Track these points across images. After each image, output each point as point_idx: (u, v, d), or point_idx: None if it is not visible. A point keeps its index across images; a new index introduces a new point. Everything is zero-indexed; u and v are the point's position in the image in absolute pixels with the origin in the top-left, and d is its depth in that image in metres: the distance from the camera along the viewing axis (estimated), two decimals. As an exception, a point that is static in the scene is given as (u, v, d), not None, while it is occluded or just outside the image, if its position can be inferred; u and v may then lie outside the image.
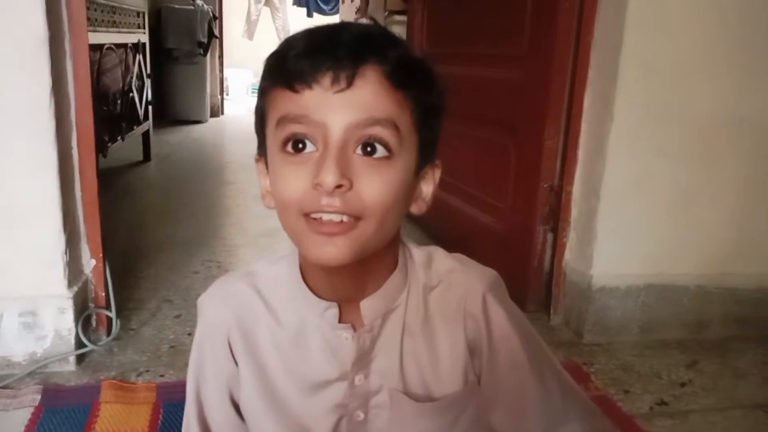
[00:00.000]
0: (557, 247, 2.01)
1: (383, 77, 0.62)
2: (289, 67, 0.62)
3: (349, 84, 0.61)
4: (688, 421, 1.54)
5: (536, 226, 2.04)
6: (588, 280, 1.89)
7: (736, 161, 1.89)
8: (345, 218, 0.62)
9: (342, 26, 0.65)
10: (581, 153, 1.92)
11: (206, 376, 0.79)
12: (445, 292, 0.77)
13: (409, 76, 0.64)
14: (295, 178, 0.62)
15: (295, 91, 0.62)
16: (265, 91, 0.67)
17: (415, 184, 0.69)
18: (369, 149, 0.62)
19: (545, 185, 2.01)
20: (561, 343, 1.90)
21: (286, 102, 0.63)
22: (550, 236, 2.04)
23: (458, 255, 0.81)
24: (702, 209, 1.91)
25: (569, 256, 1.99)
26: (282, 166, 0.64)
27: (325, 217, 0.62)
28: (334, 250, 0.62)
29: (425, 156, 0.69)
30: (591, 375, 1.72)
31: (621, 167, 1.83)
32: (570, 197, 1.96)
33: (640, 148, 1.82)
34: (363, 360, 0.74)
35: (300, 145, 0.62)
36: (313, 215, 0.62)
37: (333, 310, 0.73)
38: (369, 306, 0.73)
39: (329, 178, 0.59)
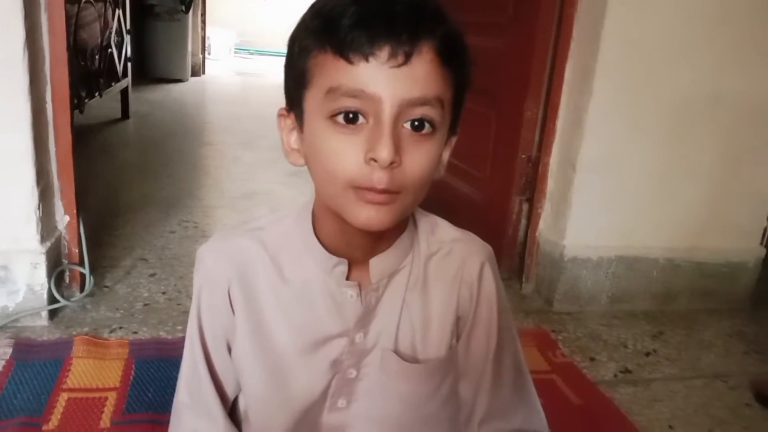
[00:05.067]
0: (532, 217, 2.03)
1: (435, 54, 0.62)
2: (343, 35, 0.60)
3: (407, 60, 0.60)
4: (650, 389, 1.59)
5: (512, 196, 2.06)
6: (560, 250, 1.92)
7: (710, 138, 1.92)
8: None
9: None
10: (560, 125, 1.94)
11: (206, 324, 0.79)
12: (445, 259, 0.79)
13: (455, 53, 0.65)
14: (346, 152, 0.62)
15: (349, 62, 0.60)
16: (307, 50, 0.64)
17: (441, 152, 0.70)
18: (417, 125, 0.63)
19: (523, 156, 2.02)
20: (531, 311, 1.94)
21: (339, 72, 0.61)
22: (525, 206, 2.06)
23: (461, 229, 0.83)
24: (675, 184, 1.94)
25: (543, 226, 2.02)
26: (329, 135, 0.63)
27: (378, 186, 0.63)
28: (379, 218, 0.64)
29: (454, 127, 0.71)
30: (559, 342, 1.75)
31: (598, 140, 1.84)
32: (547, 168, 1.98)
33: (618, 122, 1.84)
34: (366, 318, 0.76)
35: (352, 117, 0.62)
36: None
37: (342, 267, 0.74)
38: (378, 264, 0.75)
39: (385, 153, 0.60)
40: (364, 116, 0.62)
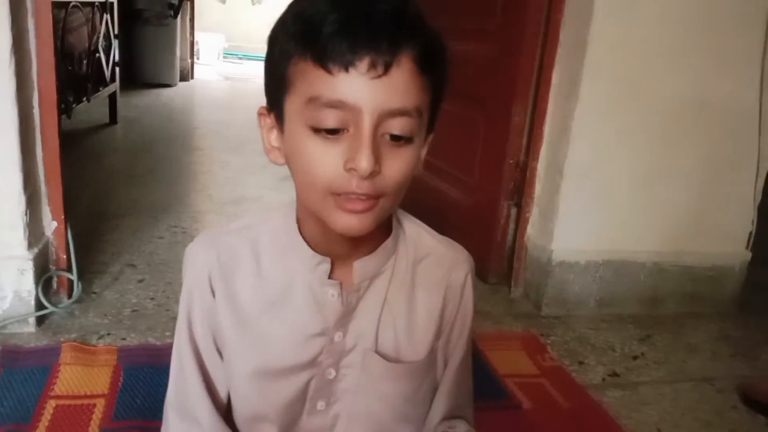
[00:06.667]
0: (520, 222, 2.04)
1: (414, 63, 0.62)
2: (324, 44, 0.60)
3: (386, 71, 0.60)
4: (638, 392, 1.60)
5: (501, 201, 2.07)
6: (548, 254, 1.93)
7: (696, 144, 1.94)
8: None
9: None
10: (547, 130, 1.95)
11: (196, 321, 0.79)
12: (433, 264, 0.81)
13: (434, 61, 0.65)
14: (325, 158, 0.63)
15: (329, 72, 0.60)
16: (288, 55, 0.64)
17: (420, 153, 0.71)
18: (396, 136, 0.64)
19: (511, 161, 2.03)
20: (520, 315, 1.95)
21: (320, 83, 0.61)
22: (513, 211, 2.07)
23: (445, 237, 0.85)
24: (661, 189, 1.95)
25: (531, 230, 2.03)
26: (309, 142, 0.63)
27: (352, 196, 0.64)
28: (358, 224, 0.65)
29: (431, 128, 0.71)
30: (547, 346, 1.76)
31: (585, 146, 1.86)
32: (535, 173, 1.99)
33: (605, 127, 1.86)
34: (345, 318, 0.76)
35: (333, 130, 0.63)
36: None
37: (325, 265, 0.74)
38: (361, 266, 0.75)
39: (364, 164, 0.61)
40: (345, 126, 0.62)
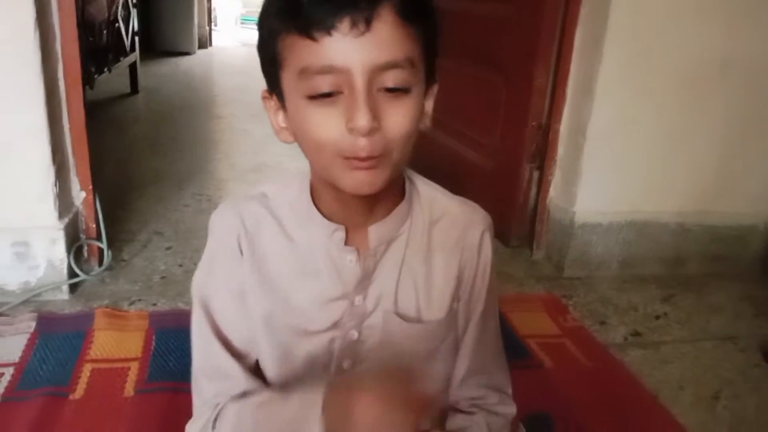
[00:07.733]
0: (542, 185, 2.04)
1: (396, 14, 0.63)
2: (306, 13, 0.61)
3: (368, 26, 0.61)
4: (659, 351, 1.61)
5: (523, 164, 2.07)
6: (571, 216, 1.93)
7: (721, 103, 1.91)
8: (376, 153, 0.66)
9: None
10: (570, 92, 1.93)
11: (218, 288, 0.81)
12: (449, 225, 0.82)
13: (417, 8, 0.66)
14: (328, 122, 0.64)
15: (314, 39, 0.62)
16: (274, 33, 0.66)
17: (423, 105, 0.72)
18: (391, 89, 0.65)
19: (533, 123, 2.02)
20: (542, 277, 1.96)
21: (307, 52, 0.63)
22: (536, 174, 2.07)
23: (461, 197, 0.86)
24: (685, 149, 1.93)
25: (554, 193, 2.03)
26: (310, 111, 0.65)
27: (361, 154, 0.65)
28: (369, 181, 0.66)
29: (430, 77, 0.72)
30: (569, 307, 1.78)
31: (608, 107, 1.84)
32: (557, 136, 1.98)
33: (628, 88, 1.83)
34: (364, 282, 0.79)
35: (328, 93, 0.64)
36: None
37: (340, 233, 0.76)
38: (376, 231, 0.77)
39: (362, 121, 0.62)
40: (339, 88, 0.63)
